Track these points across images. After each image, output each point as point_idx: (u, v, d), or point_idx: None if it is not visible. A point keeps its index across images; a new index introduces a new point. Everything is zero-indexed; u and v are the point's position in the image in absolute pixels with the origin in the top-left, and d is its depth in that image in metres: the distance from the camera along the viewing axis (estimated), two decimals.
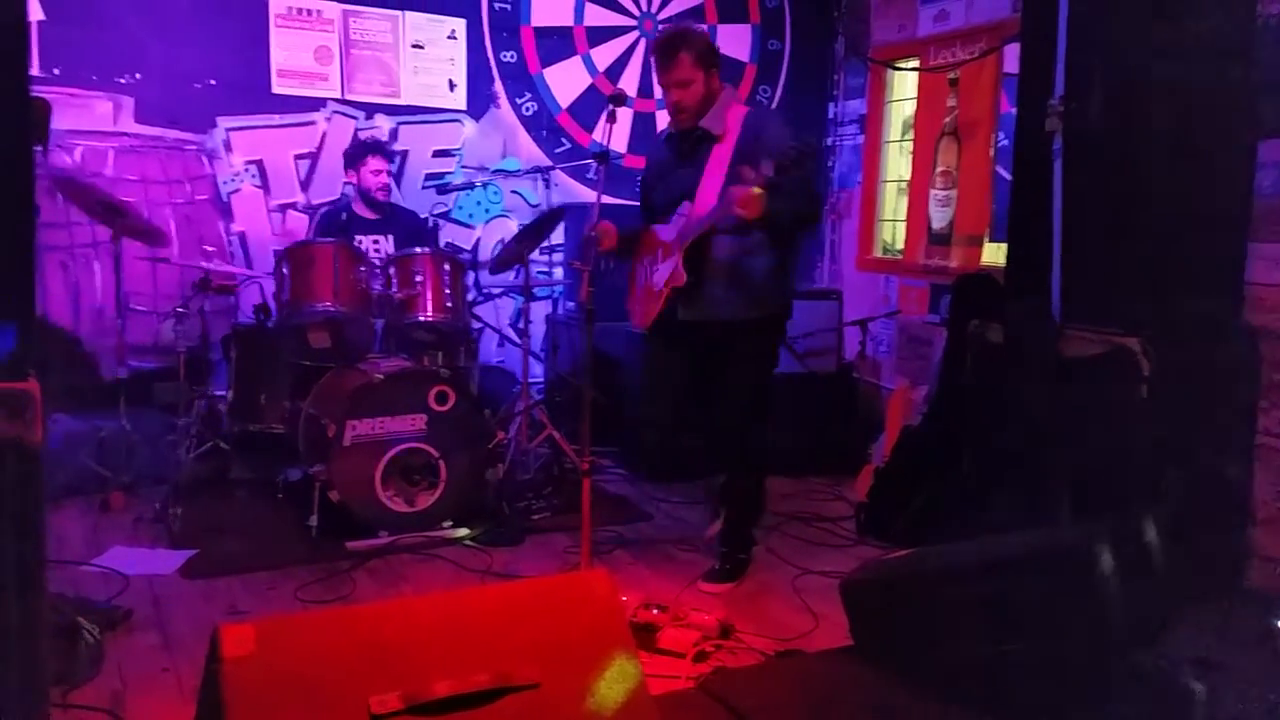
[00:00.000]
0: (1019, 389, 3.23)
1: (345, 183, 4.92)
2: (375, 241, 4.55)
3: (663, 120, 4.32)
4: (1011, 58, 4.65)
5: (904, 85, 5.69)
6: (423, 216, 4.97)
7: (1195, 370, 2.97)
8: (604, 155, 3.26)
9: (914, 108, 5.49)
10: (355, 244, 4.19)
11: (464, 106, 5.30)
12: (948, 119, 5.19)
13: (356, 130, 5.03)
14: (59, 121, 4.34)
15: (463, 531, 3.75)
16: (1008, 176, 3.53)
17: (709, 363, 3.35)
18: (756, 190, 2.85)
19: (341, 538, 3.60)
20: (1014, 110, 3.45)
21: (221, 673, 1.54)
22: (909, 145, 5.57)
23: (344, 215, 4.56)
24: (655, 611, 2.88)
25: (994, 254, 4.97)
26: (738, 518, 3.47)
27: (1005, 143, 4.88)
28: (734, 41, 5.91)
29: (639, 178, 3.71)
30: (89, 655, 2.60)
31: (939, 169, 5.26)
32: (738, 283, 3.21)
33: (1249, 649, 2.65)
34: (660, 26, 5.68)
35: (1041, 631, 2.48)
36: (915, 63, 5.43)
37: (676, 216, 3.27)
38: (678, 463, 4.51)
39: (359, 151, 4.59)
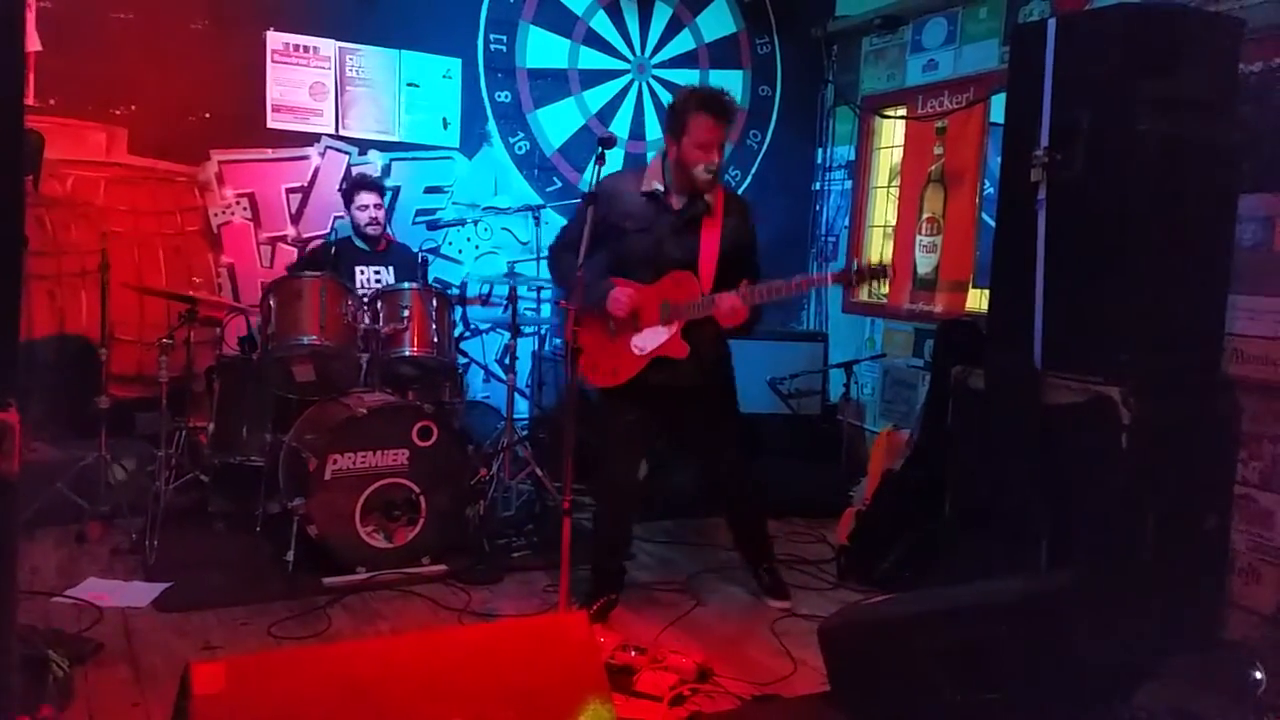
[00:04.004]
0: (1000, 436, 3.24)
1: (336, 217, 4.94)
2: (377, 273, 4.57)
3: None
4: (999, 108, 4.71)
5: (892, 132, 5.77)
6: (414, 251, 4.99)
7: (1175, 421, 2.99)
8: (592, 196, 3.22)
9: (901, 155, 5.56)
10: (349, 277, 4.19)
11: (457, 144, 5.35)
12: (934, 166, 5.26)
13: (349, 166, 5.07)
14: (53, 151, 4.35)
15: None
16: (994, 224, 3.56)
17: (679, 416, 3.52)
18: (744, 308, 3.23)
19: (318, 573, 3.57)
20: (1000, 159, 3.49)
21: (190, 711, 1.53)
22: (895, 191, 5.63)
23: (333, 250, 4.57)
24: (633, 653, 2.86)
25: (979, 300, 5.01)
26: (764, 537, 3.73)
27: (991, 191, 4.94)
28: (726, 86, 5.95)
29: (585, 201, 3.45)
30: (58, 688, 2.56)
31: (925, 215, 5.32)
32: (713, 349, 3.45)
33: (1227, 700, 2.65)
34: (654, 70, 5.76)
35: (1019, 680, 2.47)
36: (903, 111, 5.51)
37: (666, 280, 3.33)
38: (660, 502, 4.50)
39: (351, 187, 4.63)
